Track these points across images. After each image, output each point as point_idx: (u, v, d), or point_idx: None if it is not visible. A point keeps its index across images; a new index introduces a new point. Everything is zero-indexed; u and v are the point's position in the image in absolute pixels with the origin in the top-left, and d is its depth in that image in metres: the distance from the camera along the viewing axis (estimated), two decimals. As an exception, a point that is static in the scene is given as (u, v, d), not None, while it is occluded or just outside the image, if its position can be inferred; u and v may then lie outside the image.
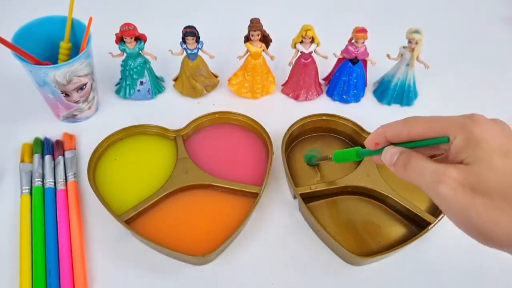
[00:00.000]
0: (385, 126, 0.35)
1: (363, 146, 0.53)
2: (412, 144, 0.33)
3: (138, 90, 0.59)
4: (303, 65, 0.58)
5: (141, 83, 0.59)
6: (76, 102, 0.54)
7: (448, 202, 0.29)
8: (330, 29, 0.61)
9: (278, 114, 0.59)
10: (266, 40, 0.56)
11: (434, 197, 0.30)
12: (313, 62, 0.59)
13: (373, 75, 0.63)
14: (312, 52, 0.57)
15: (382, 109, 0.61)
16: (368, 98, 0.63)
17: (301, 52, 0.57)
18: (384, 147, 0.35)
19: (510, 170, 0.28)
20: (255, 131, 0.55)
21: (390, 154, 0.34)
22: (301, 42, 0.56)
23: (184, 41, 0.55)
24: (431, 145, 0.32)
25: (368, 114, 0.60)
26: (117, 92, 0.60)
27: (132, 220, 0.47)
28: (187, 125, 0.54)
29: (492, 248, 0.30)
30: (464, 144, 0.29)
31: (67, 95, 0.53)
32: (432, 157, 0.33)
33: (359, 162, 0.51)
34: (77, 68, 0.50)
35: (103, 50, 0.56)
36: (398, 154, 0.33)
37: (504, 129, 0.30)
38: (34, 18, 0.53)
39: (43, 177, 0.51)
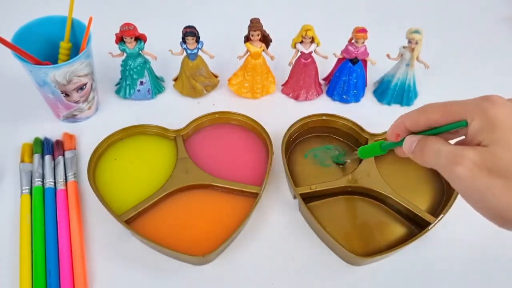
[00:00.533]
0: (403, 116, 0.35)
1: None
2: (432, 132, 0.33)
3: (138, 90, 0.59)
4: (303, 65, 0.58)
5: (141, 83, 0.59)
6: (76, 102, 0.54)
7: (465, 184, 0.29)
8: (330, 29, 0.61)
9: (278, 114, 0.59)
10: (266, 40, 0.56)
11: (450, 179, 0.30)
12: (313, 62, 0.59)
13: (373, 75, 0.63)
14: (312, 52, 0.57)
15: (382, 109, 0.61)
16: (368, 98, 0.63)
17: (301, 52, 0.57)
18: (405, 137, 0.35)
19: None
20: (255, 131, 0.55)
21: (409, 142, 0.34)
22: (301, 42, 0.56)
23: (184, 41, 0.55)
24: (450, 130, 0.32)
25: (368, 114, 0.60)
26: (117, 92, 0.60)
27: (132, 220, 0.47)
28: (187, 125, 0.54)
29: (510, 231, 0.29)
30: (481, 126, 0.29)
31: (67, 95, 0.53)
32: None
33: (359, 162, 0.51)
34: (77, 68, 0.50)
35: (103, 50, 0.56)
36: (417, 141, 0.33)
37: None
38: (34, 18, 0.53)
39: (43, 177, 0.51)
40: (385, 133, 0.53)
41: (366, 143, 0.53)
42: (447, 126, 0.32)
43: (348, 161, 0.52)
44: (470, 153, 0.29)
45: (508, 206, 0.28)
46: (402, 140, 0.35)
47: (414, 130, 0.34)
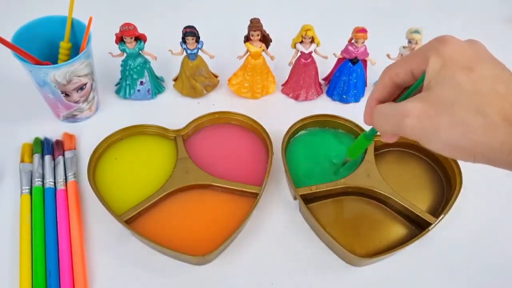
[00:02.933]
0: (370, 94, 0.35)
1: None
2: (404, 96, 0.33)
3: (138, 90, 0.59)
4: (303, 65, 0.58)
5: (141, 83, 0.59)
6: (76, 102, 0.54)
7: (417, 131, 0.29)
8: (330, 29, 0.61)
9: (278, 114, 0.59)
10: (266, 40, 0.56)
11: (405, 133, 0.30)
12: (313, 62, 0.59)
13: (373, 75, 0.63)
14: (312, 52, 0.57)
15: (382, 109, 0.61)
16: (368, 98, 0.62)
17: (301, 52, 0.57)
18: None
19: (473, 84, 0.28)
20: (255, 131, 0.55)
21: (366, 115, 0.35)
22: (301, 42, 0.56)
23: (184, 41, 0.55)
24: (418, 88, 0.32)
25: (368, 114, 0.60)
26: (117, 92, 0.60)
27: (132, 220, 0.47)
28: (187, 125, 0.54)
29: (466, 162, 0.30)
30: (432, 67, 0.29)
31: (67, 95, 0.53)
32: None
33: (360, 163, 0.51)
34: (77, 68, 0.50)
35: (103, 50, 0.56)
36: (371, 112, 0.34)
37: (475, 45, 0.30)
38: (34, 18, 0.53)
39: (43, 177, 0.51)
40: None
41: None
42: (412, 86, 0.32)
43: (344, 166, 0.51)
44: (413, 104, 0.29)
45: (459, 141, 0.28)
46: None
47: (385, 99, 0.34)
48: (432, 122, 0.28)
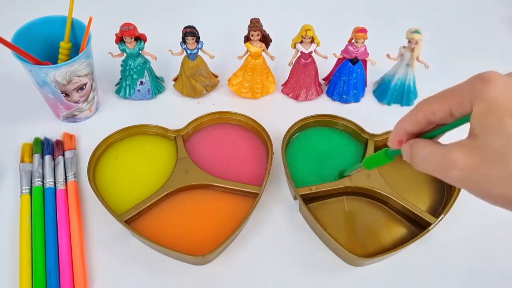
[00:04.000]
0: (401, 120, 0.32)
1: (365, 146, 0.54)
2: (439, 132, 0.30)
3: (138, 90, 0.59)
4: (303, 65, 0.58)
5: (141, 83, 0.59)
6: (76, 102, 0.54)
7: (464, 184, 0.27)
8: (330, 29, 0.61)
9: (278, 114, 0.59)
10: (266, 40, 0.56)
11: (450, 183, 0.28)
12: (313, 62, 0.59)
13: (373, 75, 0.63)
14: (312, 52, 0.57)
15: (382, 109, 0.61)
16: (368, 98, 0.63)
17: (301, 52, 0.57)
18: None
19: None
20: (255, 131, 0.55)
21: (404, 151, 0.31)
22: (301, 42, 0.56)
23: (184, 41, 0.55)
24: (457, 126, 0.29)
25: (368, 114, 0.60)
26: (117, 92, 0.60)
27: (132, 220, 0.47)
28: (187, 125, 0.54)
29: None
30: (476, 112, 0.26)
31: (67, 95, 0.53)
32: None
33: (359, 163, 0.51)
34: (77, 68, 0.50)
35: (103, 50, 0.56)
36: (409, 148, 0.31)
37: None
38: (34, 18, 0.53)
39: (43, 177, 0.51)
40: (385, 133, 0.53)
41: (366, 144, 0.53)
42: (452, 124, 0.29)
43: (352, 173, 0.50)
44: (459, 153, 0.27)
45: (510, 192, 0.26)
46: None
47: (416, 132, 0.32)
48: (481, 175, 0.26)
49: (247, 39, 0.56)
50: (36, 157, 0.52)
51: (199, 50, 0.56)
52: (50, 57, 0.54)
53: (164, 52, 0.57)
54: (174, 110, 0.60)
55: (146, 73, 0.58)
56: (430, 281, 0.47)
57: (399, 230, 0.48)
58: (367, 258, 0.45)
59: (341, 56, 0.58)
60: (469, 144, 0.27)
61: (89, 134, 0.56)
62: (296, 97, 0.61)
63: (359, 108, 0.61)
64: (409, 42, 0.55)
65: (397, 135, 0.33)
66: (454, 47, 0.70)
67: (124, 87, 0.59)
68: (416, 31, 0.54)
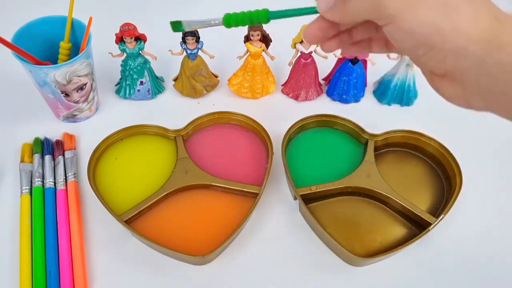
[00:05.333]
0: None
1: (365, 146, 0.53)
2: None
3: (138, 90, 0.59)
4: (303, 65, 0.58)
5: (141, 83, 0.59)
6: (76, 102, 0.54)
7: (396, 3, 0.26)
8: (330, 29, 0.61)
9: (278, 114, 0.59)
10: (266, 40, 0.56)
11: (379, 10, 0.27)
12: (313, 62, 0.59)
13: (373, 75, 0.63)
14: (312, 52, 0.57)
15: (382, 109, 0.61)
16: (368, 98, 0.62)
17: (301, 52, 0.57)
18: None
19: None
20: (255, 131, 0.55)
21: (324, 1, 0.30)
22: (301, 42, 0.56)
23: (184, 41, 0.55)
24: None
25: (368, 114, 0.60)
26: (117, 92, 0.60)
27: (132, 220, 0.47)
28: (187, 125, 0.54)
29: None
30: None
31: (67, 95, 0.53)
32: None
33: (359, 163, 0.51)
34: (77, 68, 0.50)
35: (103, 50, 0.56)
36: None
37: None
38: (34, 18, 0.53)
39: (43, 177, 0.51)
40: (385, 133, 0.53)
41: (366, 144, 0.53)
42: None
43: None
44: None
45: (439, 22, 0.26)
46: (310, 8, 0.31)
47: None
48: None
49: (247, 39, 0.56)
50: (36, 157, 0.52)
51: (199, 50, 0.56)
52: (50, 57, 0.54)
53: (164, 52, 0.57)
54: (174, 110, 0.60)
55: (146, 73, 0.58)
56: (430, 281, 0.47)
57: (399, 230, 0.48)
58: (367, 258, 0.45)
59: (341, 56, 0.58)
60: None
61: (89, 134, 0.56)
62: (296, 97, 0.61)
63: (359, 108, 0.61)
64: (409, 42, 0.55)
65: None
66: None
67: (124, 87, 0.59)
68: (416, 31, 0.54)
